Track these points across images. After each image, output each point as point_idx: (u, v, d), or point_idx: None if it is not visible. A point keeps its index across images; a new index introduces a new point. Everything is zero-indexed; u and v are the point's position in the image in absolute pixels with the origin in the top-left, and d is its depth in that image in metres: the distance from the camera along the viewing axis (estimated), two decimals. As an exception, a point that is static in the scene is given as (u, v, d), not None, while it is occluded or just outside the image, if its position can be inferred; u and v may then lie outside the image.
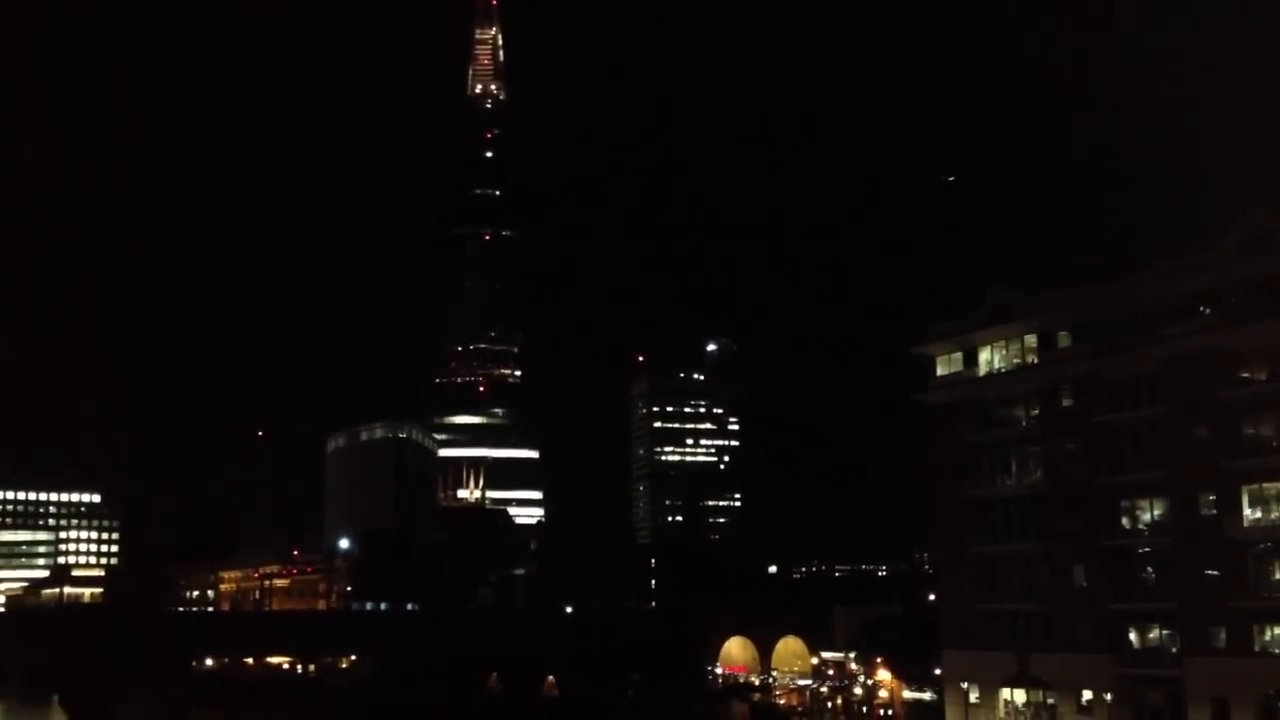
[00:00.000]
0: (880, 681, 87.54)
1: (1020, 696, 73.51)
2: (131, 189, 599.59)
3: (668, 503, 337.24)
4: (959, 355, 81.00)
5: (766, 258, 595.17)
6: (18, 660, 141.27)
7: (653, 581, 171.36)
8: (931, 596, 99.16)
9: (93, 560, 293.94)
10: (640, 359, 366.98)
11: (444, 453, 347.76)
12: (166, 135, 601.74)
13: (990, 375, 78.74)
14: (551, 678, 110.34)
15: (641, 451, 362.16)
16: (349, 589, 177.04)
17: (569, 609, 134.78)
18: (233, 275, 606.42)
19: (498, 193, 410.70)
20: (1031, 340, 76.34)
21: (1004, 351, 78.42)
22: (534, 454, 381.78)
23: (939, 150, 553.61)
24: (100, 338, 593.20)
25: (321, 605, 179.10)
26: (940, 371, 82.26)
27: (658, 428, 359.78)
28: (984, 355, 79.54)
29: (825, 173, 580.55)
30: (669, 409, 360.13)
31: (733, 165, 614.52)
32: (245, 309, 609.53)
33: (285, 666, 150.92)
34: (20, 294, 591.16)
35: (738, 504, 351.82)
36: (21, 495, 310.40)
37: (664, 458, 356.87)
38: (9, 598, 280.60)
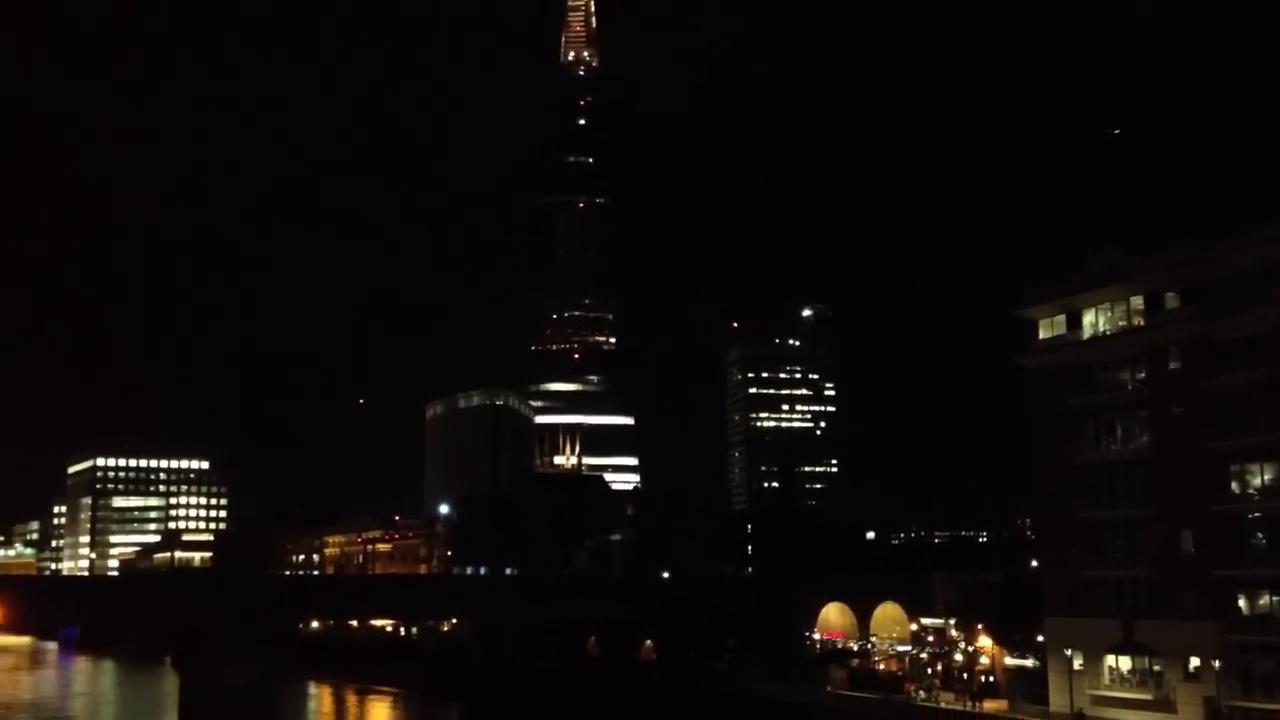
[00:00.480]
0: (981, 648, 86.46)
1: (1125, 663, 72.20)
2: (234, 158, 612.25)
3: (763, 469, 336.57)
4: (1062, 318, 79.18)
5: (863, 221, 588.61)
6: (132, 623, 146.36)
7: (749, 548, 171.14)
8: (1034, 563, 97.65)
9: (201, 525, 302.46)
10: (735, 325, 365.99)
11: (540, 420, 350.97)
12: (265, 109, 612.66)
13: (1095, 338, 76.87)
14: (649, 642, 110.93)
15: (736, 418, 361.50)
16: (449, 554, 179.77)
17: (665, 575, 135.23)
18: (335, 247, 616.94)
19: (591, 160, 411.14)
20: (1138, 302, 74.31)
21: (1109, 314, 76.44)
22: (629, 420, 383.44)
23: (1040, 109, 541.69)
24: (209, 310, 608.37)
25: (422, 569, 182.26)
26: (1042, 335, 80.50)
27: (753, 394, 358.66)
28: (1088, 317, 77.64)
29: (923, 133, 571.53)
30: (764, 375, 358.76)
31: (828, 127, 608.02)
32: (347, 280, 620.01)
33: (388, 629, 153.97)
34: (131, 268, 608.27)
35: (834, 470, 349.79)
36: (134, 463, 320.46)
37: (759, 424, 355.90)
38: (122, 562, 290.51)
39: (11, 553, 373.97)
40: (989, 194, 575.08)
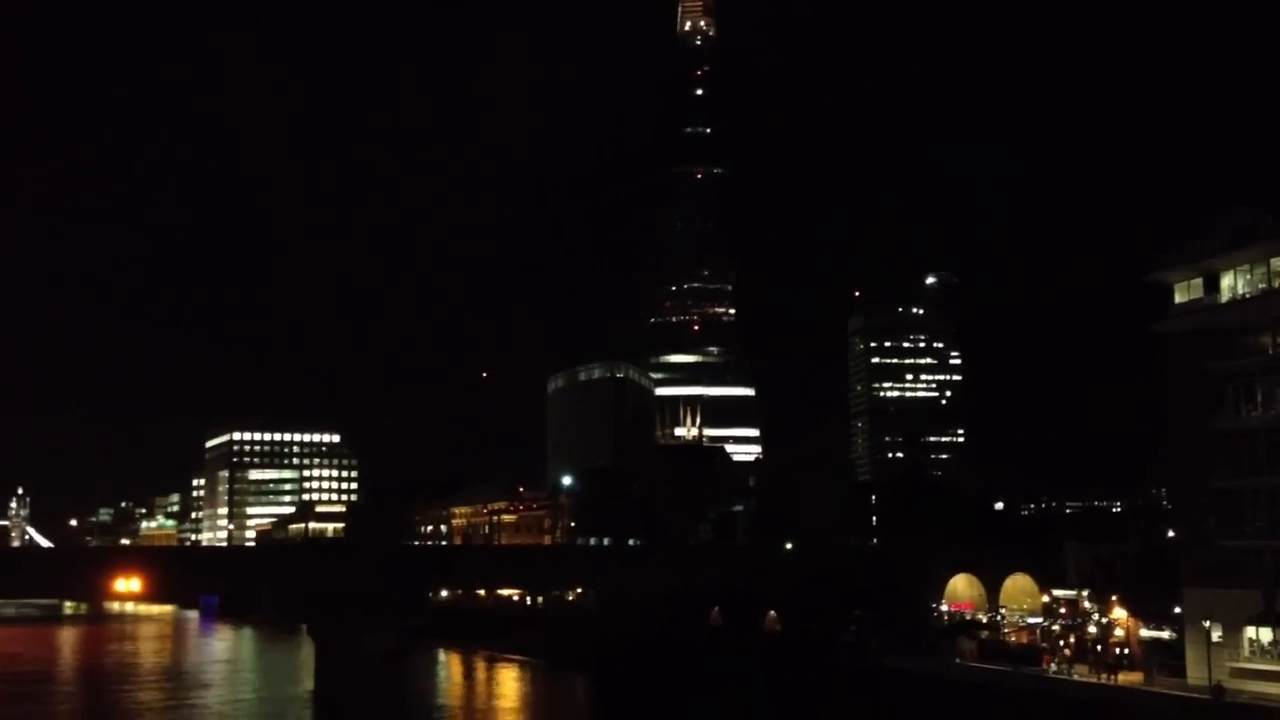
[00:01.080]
0: (1115, 620, 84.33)
1: (1266, 635, 69.84)
2: (354, 135, 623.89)
3: (887, 440, 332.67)
4: (1198, 281, 76.43)
5: (989, 187, 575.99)
6: (269, 591, 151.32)
7: (873, 519, 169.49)
8: (1170, 533, 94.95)
9: (334, 497, 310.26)
10: (857, 294, 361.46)
11: (660, 391, 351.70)
12: (378, 80, 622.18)
13: (1234, 301, 74.06)
14: (773, 613, 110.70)
15: (859, 388, 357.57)
16: (572, 525, 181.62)
17: (789, 546, 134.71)
18: (459, 222, 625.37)
19: (709, 130, 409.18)
20: (1279, 264, 71.50)
21: (1248, 276, 73.54)
22: (750, 392, 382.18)
23: (1168, 69, 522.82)
24: (339, 288, 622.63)
25: (547, 540, 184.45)
26: (1178, 299, 77.84)
27: (876, 364, 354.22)
28: (1226, 280, 74.81)
29: (1051, 94, 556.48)
30: (887, 344, 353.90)
31: (953, 90, 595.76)
32: (470, 254, 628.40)
33: (515, 598, 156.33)
34: (265, 247, 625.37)
35: (960, 440, 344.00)
36: (269, 436, 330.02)
37: (883, 394, 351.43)
38: (259, 533, 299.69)
39: (153, 524, 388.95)
40: (1118, 156, 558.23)
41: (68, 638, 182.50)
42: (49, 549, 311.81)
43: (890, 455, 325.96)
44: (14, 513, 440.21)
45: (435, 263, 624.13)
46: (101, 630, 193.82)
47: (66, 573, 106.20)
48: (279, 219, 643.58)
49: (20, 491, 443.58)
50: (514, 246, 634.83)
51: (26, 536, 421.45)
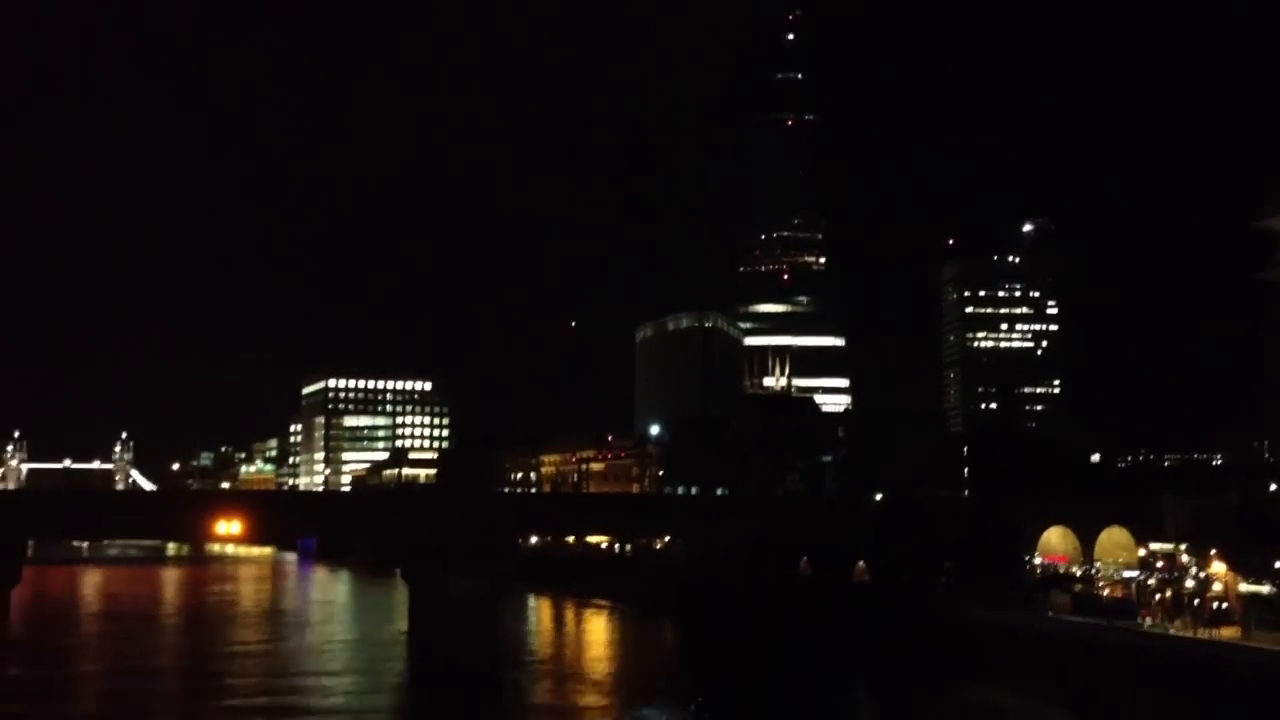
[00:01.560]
0: (1214, 574, 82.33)
1: (1373, 592, 67.88)
2: (450, 84, 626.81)
3: (980, 390, 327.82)
4: (1308, 227, 73.93)
5: (1087, 131, 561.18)
6: (364, 535, 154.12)
7: (965, 470, 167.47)
8: (1272, 486, 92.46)
9: (426, 444, 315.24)
10: (950, 242, 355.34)
11: (749, 341, 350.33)
12: (466, 38, 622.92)
13: (1346, 247, 71.48)
14: (862, 564, 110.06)
15: (952, 338, 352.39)
16: (660, 474, 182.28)
17: (878, 496, 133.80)
18: (545, 168, 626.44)
19: (800, 76, 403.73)
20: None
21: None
22: (840, 341, 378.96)
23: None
24: (430, 237, 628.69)
25: (635, 489, 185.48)
26: (1287, 245, 75.35)
27: (969, 313, 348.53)
28: (1338, 226, 72.25)
29: (1152, 36, 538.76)
30: (981, 293, 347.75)
31: (1049, 29, 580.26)
32: (557, 202, 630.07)
33: (603, 546, 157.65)
34: (358, 195, 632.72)
35: (1056, 391, 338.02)
36: (363, 384, 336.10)
37: (976, 344, 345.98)
38: (354, 478, 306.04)
39: (253, 469, 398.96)
40: (1225, 99, 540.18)
41: (170, 578, 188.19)
42: (152, 491, 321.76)
43: (983, 406, 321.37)
44: (118, 456, 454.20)
45: (524, 213, 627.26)
46: (203, 571, 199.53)
47: (169, 515, 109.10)
48: (377, 169, 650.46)
49: (124, 436, 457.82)
50: (602, 197, 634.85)
51: (130, 479, 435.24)
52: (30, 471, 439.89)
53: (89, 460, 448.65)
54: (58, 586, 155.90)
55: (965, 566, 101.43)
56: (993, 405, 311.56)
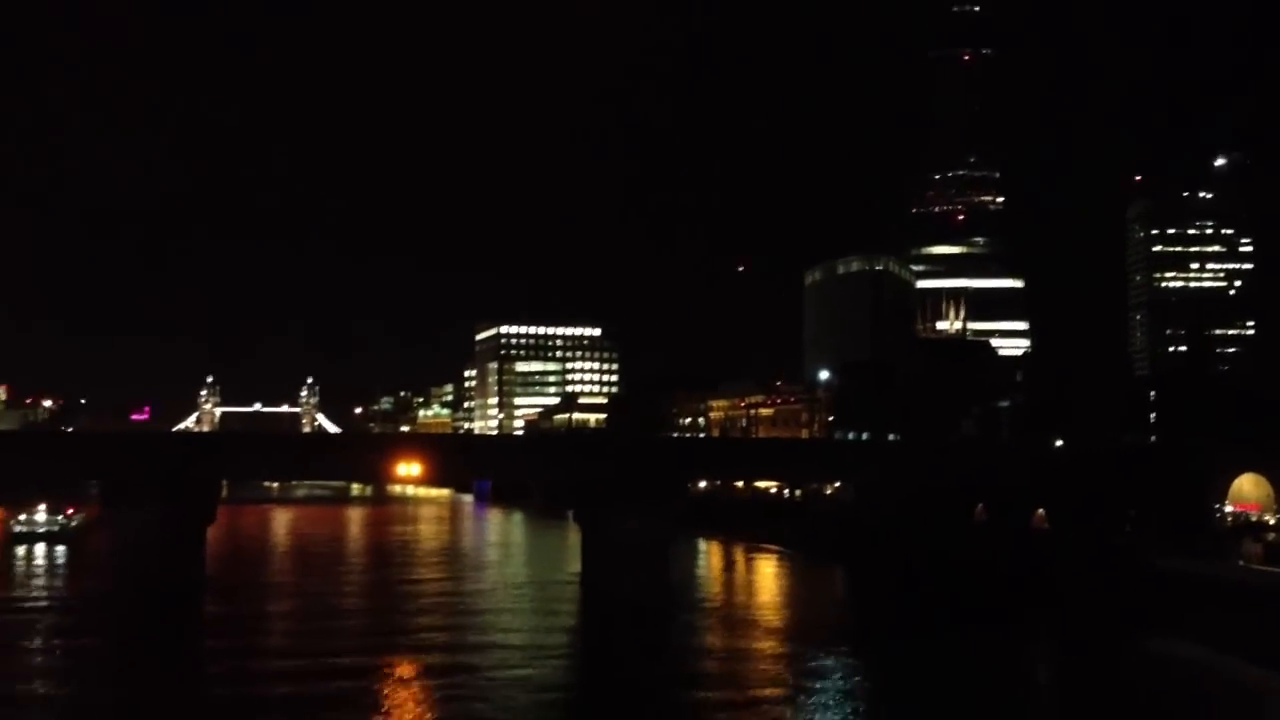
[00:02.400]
0: None
1: None
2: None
3: (1168, 332, 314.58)
4: None
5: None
6: (537, 478, 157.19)
7: (1151, 416, 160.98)
8: None
9: (595, 389, 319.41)
10: (1137, 179, 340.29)
11: (922, 284, 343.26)
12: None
13: None
14: (1041, 511, 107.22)
15: (1138, 278, 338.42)
16: (830, 419, 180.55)
17: (1058, 442, 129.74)
18: (711, 117, 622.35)
19: (977, 8, 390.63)
20: None
21: None
22: (1018, 283, 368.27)
23: None
24: (601, 181, 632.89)
25: (803, 434, 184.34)
26: None
27: (1157, 252, 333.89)
28: None
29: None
30: (1170, 231, 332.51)
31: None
32: (725, 147, 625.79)
33: (772, 491, 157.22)
34: (526, 142, 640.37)
35: (1250, 332, 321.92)
36: (534, 330, 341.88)
37: (1164, 284, 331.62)
38: (527, 422, 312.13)
39: (430, 413, 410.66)
40: None
41: (354, 518, 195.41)
42: (337, 434, 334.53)
43: (1171, 349, 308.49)
44: (305, 400, 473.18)
45: (690, 153, 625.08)
46: (385, 511, 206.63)
47: (353, 457, 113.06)
48: (543, 115, 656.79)
49: (310, 381, 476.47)
50: (770, 138, 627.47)
51: (317, 423, 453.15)
52: (223, 415, 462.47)
53: (277, 405, 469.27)
54: (250, 525, 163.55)
55: (1150, 515, 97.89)
56: (1181, 348, 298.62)
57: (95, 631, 77.38)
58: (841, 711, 58.37)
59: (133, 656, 70.33)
